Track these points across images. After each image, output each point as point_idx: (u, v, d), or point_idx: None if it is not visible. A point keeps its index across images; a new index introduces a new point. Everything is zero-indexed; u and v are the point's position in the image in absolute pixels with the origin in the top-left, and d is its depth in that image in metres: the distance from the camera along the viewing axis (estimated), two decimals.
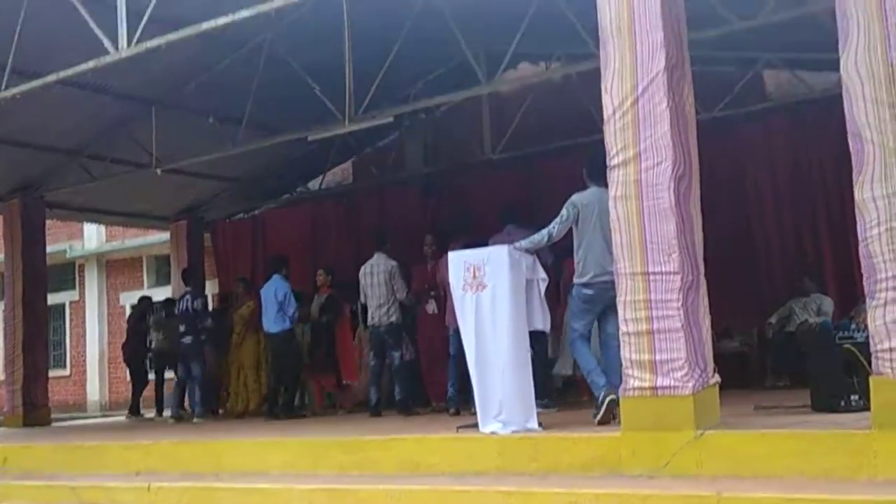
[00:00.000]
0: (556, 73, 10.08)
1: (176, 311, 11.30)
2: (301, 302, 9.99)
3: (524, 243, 6.30)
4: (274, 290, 9.69)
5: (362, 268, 8.98)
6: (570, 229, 6.22)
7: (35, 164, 11.73)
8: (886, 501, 3.85)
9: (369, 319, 8.91)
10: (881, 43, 4.47)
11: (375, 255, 8.95)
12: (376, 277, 8.78)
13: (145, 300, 13.06)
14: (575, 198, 6.24)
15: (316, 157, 12.93)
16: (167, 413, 11.56)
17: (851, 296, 8.97)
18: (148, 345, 12.67)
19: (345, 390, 10.54)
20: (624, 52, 5.20)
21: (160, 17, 7.36)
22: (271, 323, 9.75)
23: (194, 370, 10.77)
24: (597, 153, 5.55)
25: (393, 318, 8.74)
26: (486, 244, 6.62)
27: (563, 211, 6.20)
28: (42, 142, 11.22)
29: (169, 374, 12.32)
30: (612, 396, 5.62)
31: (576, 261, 6.23)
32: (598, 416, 5.75)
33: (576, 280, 6.23)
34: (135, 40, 7.29)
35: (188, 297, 10.96)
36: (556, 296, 7.98)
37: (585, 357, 6.20)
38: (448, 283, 7.74)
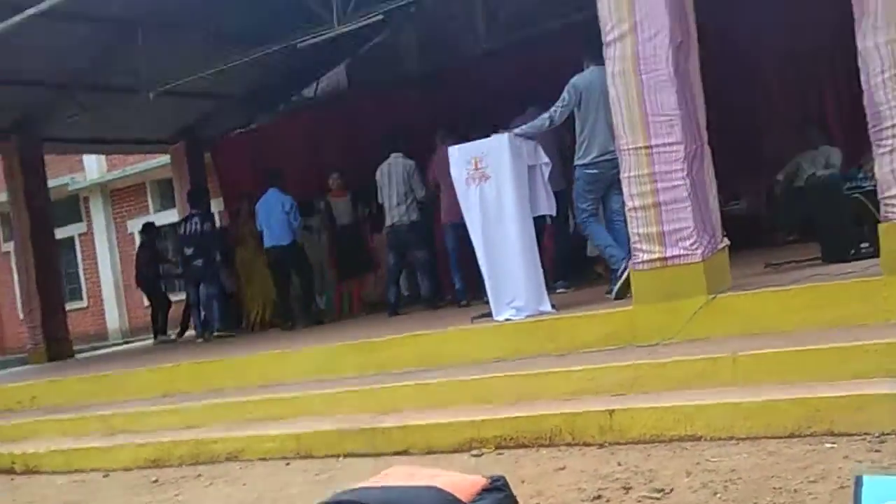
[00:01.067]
0: None
1: (182, 233, 11.08)
2: (307, 211, 9.97)
3: (525, 128, 6.26)
4: (281, 204, 9.59)
5: (379, 168, 8.91)
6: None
7: (26, 101, 11.57)
8: None
9: (388, 219, 8.89)
10: None
11: (392, 156, 8.88)
12: (394, 177, 8.74)
13: (150, 227, 13.05)
14: (575, 80, 6.14)
15: (308, 64, 12.73)
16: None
17: (860, 146, 8.87)
18: (161, 268, 12.76)
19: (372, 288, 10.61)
20: None
21: None
22: (277, 236, 9.64)
23: (210, 289, 10.79)
24: (592, 32, 5.43)
25: (414, 217, 8.73)
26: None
27: (564, 94, 6.11)
28: (31, 78, 11.03)
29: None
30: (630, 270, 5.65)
31: (578, 142, 6.18)
32: (616, 289, 5.78)
33: (577, 161, 6.19)
34: None
35: (196, 218, 10.79)
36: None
37: (599, 233, 6.21)
38: (442, 179, 7.83)
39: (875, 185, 5.13)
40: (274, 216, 9.67)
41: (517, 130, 6.25)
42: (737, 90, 9.69)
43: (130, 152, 15.47)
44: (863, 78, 4.52)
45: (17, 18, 8.07)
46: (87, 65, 11.13)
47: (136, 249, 13.26)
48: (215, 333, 10.63)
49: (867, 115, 4.52)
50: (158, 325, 12.59)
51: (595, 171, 6.05)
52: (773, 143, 9.71)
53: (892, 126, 4.38)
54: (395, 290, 8.99)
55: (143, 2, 10.11)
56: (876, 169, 4.48)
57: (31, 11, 7.94)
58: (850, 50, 8.53)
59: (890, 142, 4.38)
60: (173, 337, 12.45)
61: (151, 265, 12.58)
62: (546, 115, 6.17)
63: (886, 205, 4.44)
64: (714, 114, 5.41)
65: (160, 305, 12.67)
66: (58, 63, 10.86)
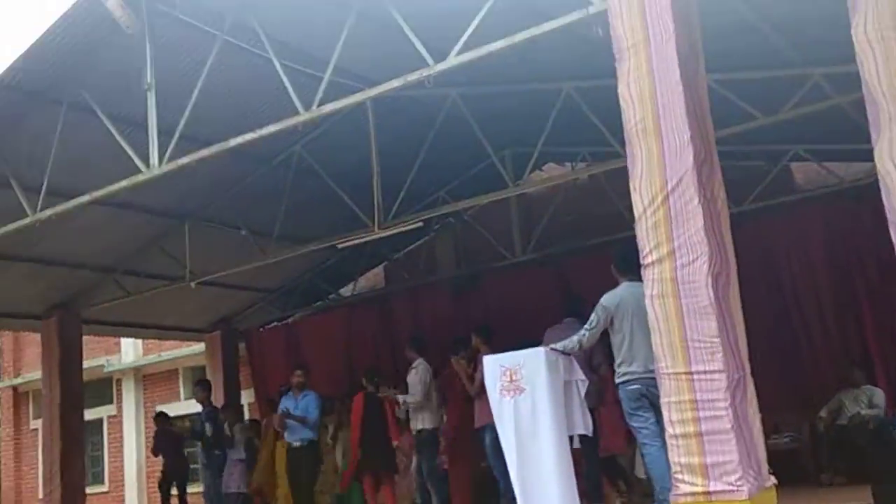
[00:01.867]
0: (582, 173, 10.13)
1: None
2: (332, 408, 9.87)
3: (557, 346, 6.20)
4: (295, 402, 9.65)
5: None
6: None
7: (71, 283, 11.85)
8: None
9: (411, 423, 8.81)
10: None
11: (417, 361, 8.88)
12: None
13: (162, 416, 12.91)
14: (605, 300, 6.11)
15: (347, 263, 13.02)
16: None
17: None
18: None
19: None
20: (651, 150, 5.18)
21: (190, 135, 7.53)
22: (294, 435, 9.70)
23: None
24: (626, 247, 5.48)
25: (427, 425, 8.60)
26: (510, 348, 6.48)
27: (593, 316, 6.08)
28: (77, 260, 11.35)
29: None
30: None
31: (617, 361, 6.08)
32: None
33: (618, 380, 6.07)
34: (165, 158, 7.44)
35: (202, 415, 11.18)
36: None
37: (656, 460, 5.93)
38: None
39: None
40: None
41: (552, 346, 6.20)
42: (774, 322, 9.70)
43: (167, 338, 15.60)
44: None
45: (72, 203, 8.35)
46: (134, 251, 11.46)
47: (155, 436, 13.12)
48: None
49: None
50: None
51: (636, 386, 5.84)
52: (813, 378, 9.60)
53: None
54: (421, 494, 8.74)
55: (195, 198, 10.54)
56: None
57: (84, 199, 8.23)
58: (893, 287, 8.62)
59: None
60: None
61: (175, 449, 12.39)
62: (575, 337, 6.10)
63: None
64: (752, 345, 5.32)
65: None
66: (106, 248, 11.20)
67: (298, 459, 9.67)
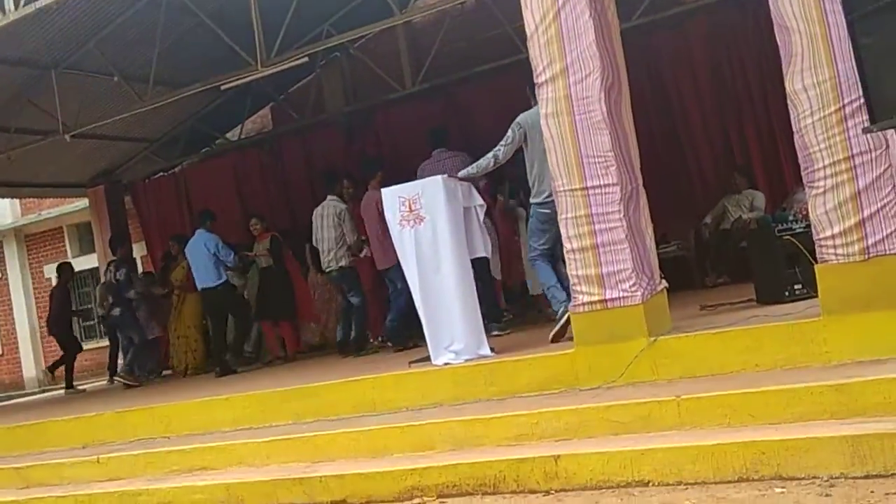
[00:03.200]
0: None
1: (102, 282, 11.07)
2: (237, 252, 9.75)
3: (470, 169, 6.21)
4: (204, 244, 9.42)
5: (315, 210, 8.79)
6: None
7: None
8: (841, 385, 3.92)
9: (322, 264, 8.77)
10: None
11: (327, 199, 8.74)
12: (326, 220, 8.60)
13: (66, 267, 12.59)
14: (521, 118, 6.06)
15: (232, 106, 12.56)
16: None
17: (781, 190, 9.13)
18: (72, 313, 12.57)
19: (303, 332, 10.42)
20: None
21: None
22: (206, 278, 9.48)
23: (134, 338, 10.72)
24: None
25: (343, 262, 8.59)
26: (405, 181, 6.45)
27: (509, 132, 6.04)
28: None
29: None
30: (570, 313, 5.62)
31: (529, 181, 6.11)
32: (553, 332, 5.73)
33: (532, 200, 6.12)
34: (22, 1, 6.86)
35: (112, 266, 10.86)
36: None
37: (545, 273, 6.10)
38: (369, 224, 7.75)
39: (805, 227, 5.24)
40: (200, 258, 9.49)
41: (462, 172, 6.19)
42: (662, 134, 9.91)
43: (46, 196, 14.94)
44: (793, 120, 4.59)
45: None
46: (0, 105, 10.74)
47: (51, 290, 12.76)
48: (115, 378, 10.35)
49: (799, 158, 4.59)
50: (66, 377, 12.09)
51: (548, 210, 5.86)
52: (699, 187, 9.94)
53: (824, 167, 4.46)
54: (343, 331, 8.82)
55: (61, 45, 9.85)
56: (810, 210, 4.55)
57: None
58: (772, 93, 8.88)
59: (822, 183, 4.46)
60: (84, 388, 12.00)
61: (65, 308, 12.14)
62: (490, 153, 6.08)
63: (822, 246, 4.50)
64: (643, 157, 5.44)
65: (69, 352, 12.16)
66: None
67: (222, 297, 9.61)
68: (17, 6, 6.91)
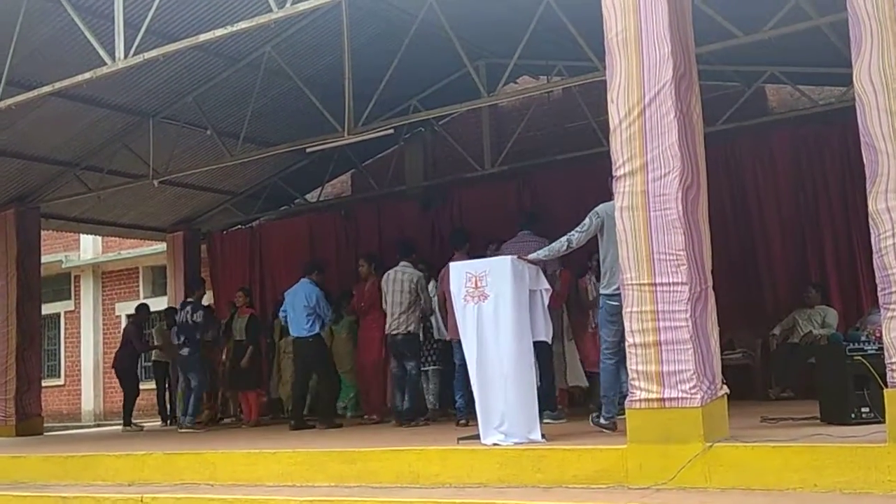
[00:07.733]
0: (557, 86, 10.03)
1: (176, 322, 11.20)
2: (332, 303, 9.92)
3: (543, 252, 6.24)
4: (305, 294, 9.35)
5: (386, 274, 8.85)
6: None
7: (30, 176, 11.64)
8: None
9: (387, 328, 8.78)
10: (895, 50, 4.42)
11: (401, 264, 8.85)
12: (398, 285, 8.69)
13: (143, 308, 12.92)
14: (600, 207, 6.07)
15: (314, 169, 12.89)
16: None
17: (855, 308, 8.93)
18: (143, 354, 12.74)
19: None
20: (631, 62, 5.15)
21: (158, 30, 7.32)
22: (299, 328, 9.38)
23: (193, 381, 10.72)
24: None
25: (411, 328, 8.65)
26: (475, 258, 6.53)
27: (586, 220, 6.07)
28: (38, 153, 11.14)
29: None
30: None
31: (602, 271, 6.12)
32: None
33: (602, 291, 6.13)
34: (132, 52, 7.22)
35: (189, 308, 10.88)
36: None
37: (609, 380, 6.08)
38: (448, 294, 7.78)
39: (878, 349, 5.10)
40: (298, 306, 9.38)
41: (533, 255, 6.22)
42: (737, 240, 9.84)
43: (128, 236, 15.40)
44: (873, 240, 4.52)
45: (33, 93, 8.14)
46: (96, 146, 11.24)
47: (125, 326, 13.06)
48: (182, 429, 10.46)
49: (876, 278, 4.50)
50: (125, 414, 12.28)
51: (616, 303, 5.77)
52: (770, 296, 9.79)
53: None
54: (401, 397, 8.76)
55: (161, 95, 10.32)
56: (884, 333, 4.43)
57: (45, 90, 8.01)
58: (853, 211, 8.77)
59: None
60: (143, 426, 12.15)
61: (137, 346, 12.39)
62: (564, 238, 6.10)
63: (894, 370, 4.37)
64: (714, 261, 5.40)
65: (130, 391, 12.36)
66: (67, 142, 10.98)
67: (313, 348, 9.52)
68: (126, 55, 7.25)
